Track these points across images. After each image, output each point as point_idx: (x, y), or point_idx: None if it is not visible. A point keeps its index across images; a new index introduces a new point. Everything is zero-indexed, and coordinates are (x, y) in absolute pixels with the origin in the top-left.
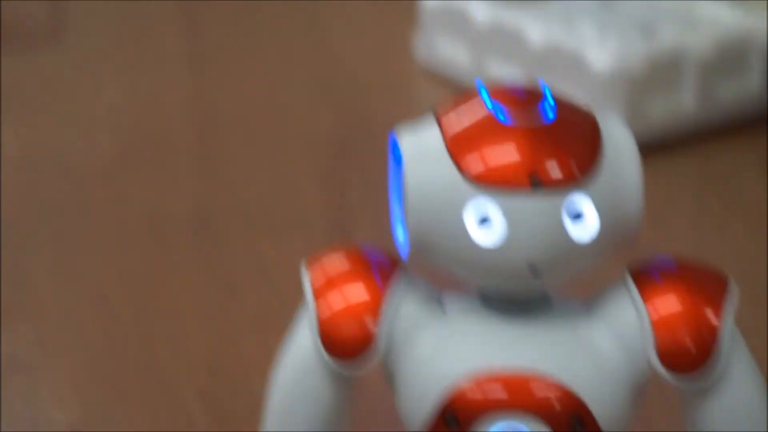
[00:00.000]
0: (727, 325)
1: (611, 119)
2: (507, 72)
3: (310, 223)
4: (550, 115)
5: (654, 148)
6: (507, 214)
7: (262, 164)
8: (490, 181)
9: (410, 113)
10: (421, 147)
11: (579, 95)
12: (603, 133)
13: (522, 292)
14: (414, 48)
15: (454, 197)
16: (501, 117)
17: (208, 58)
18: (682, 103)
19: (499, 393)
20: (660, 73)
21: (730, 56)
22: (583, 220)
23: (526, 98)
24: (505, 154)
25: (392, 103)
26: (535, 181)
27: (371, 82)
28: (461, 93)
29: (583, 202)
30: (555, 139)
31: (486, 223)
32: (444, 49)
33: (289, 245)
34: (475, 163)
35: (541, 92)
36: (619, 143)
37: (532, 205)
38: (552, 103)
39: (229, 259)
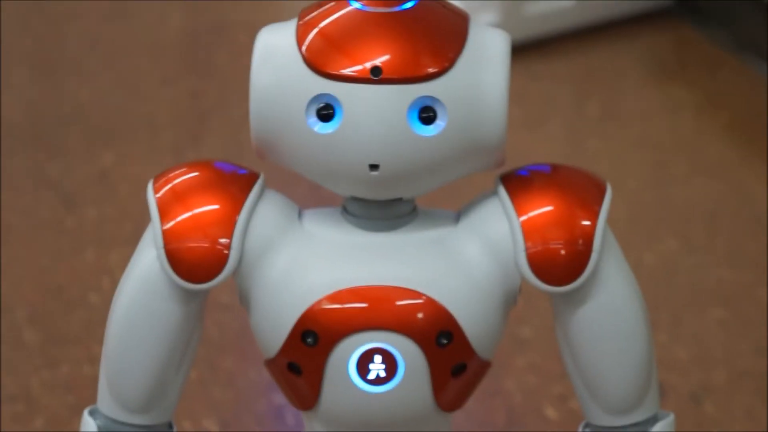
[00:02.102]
0: (600, 231)
1: (489, 27)
2: None
3: (156, 130)
4: (410, 4)
5: (532, 48)
6: (346, 102)
7: (104, 67)
8: (333, 71)
9: (268, 13)
10: (273, 45)
11: None
12: (471, 35)
13: (376, 196)
14: None
15: (297, 89)
16: (356, 4)
17: None
18: (562, 2)
19: (359, 308)
20: None
21: None
22: (430, 115)
23: None
24: (350, 41)
25: (250, 3)
26: (377, 73)
27: None
28: None
29: (429, 100)
30: (407, 28)
31: (326, 114)
32: None
33: (132, 154)
34: (320, 52)
35: None
36: (488, 48)
37: (372, 94)
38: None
39: (67, 168)
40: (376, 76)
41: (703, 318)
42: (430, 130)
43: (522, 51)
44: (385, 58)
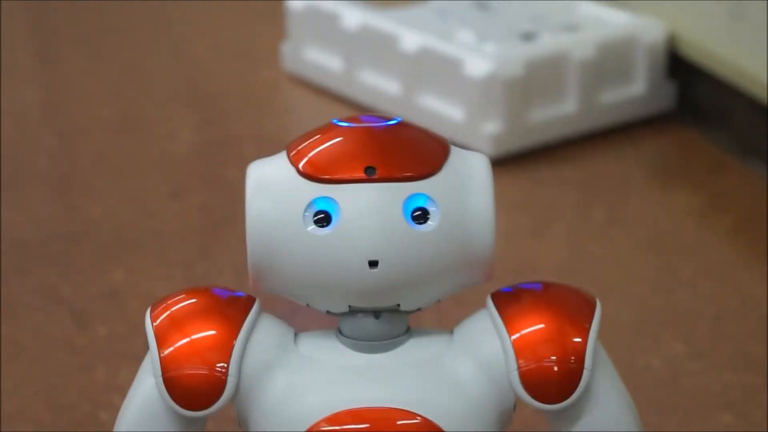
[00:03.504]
0: (591, 348)
1: (468, 151)
2: (380, 79)
3: (166, 244)
4: (393, 122)
5: (536, 154)
6: (342, 201)
7: (115, 183)
8: (328, 176)
9: (278, 124)
10: (266, 171)
11: (456, 102)
12: (453, 150)
13: (374, 302)
14: (281, 55)
15: (293, 199)
16: (343, 124)
17: (58, 69)
18: (565, 109)
19: (357, 430)
20: (540, 78)
21: (613, 60)
22: (423, 216)
23: (376, 118)
24: (343, 148)
25: (258, 113)
26: (370, 171)
27: (235, 92)
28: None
29: (422, 198)
30: (395, 138)
31: (323, 216)
32: (313, 56)
33: (143, 269)
34: (314, 161)
35: (392, 117)
36: (471, 166)
37: (368, 191)
38: (398, 119)
39: (77, 284)
40: (370, 175)
41: (711, 423)
42: (425, 227)
43: (526, 158)
44: (377, 160)
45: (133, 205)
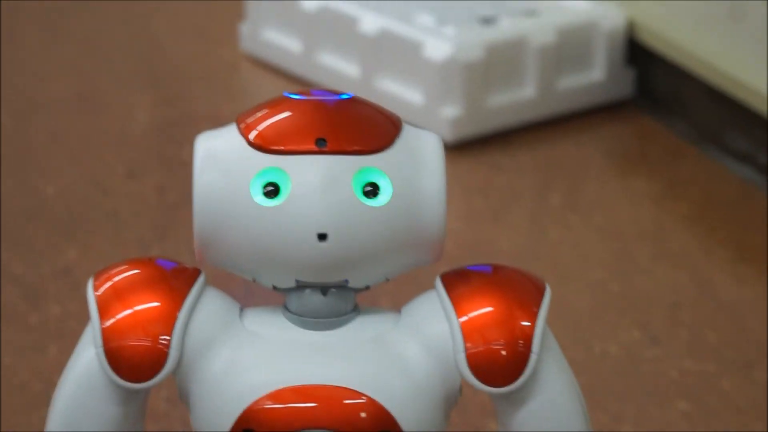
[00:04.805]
0: (539, 332)
1: (420, 129)
2: (339, 61)
3: (121, 224)
4: (345, 96)
5: (494, 139)
6: (292, 173)
7: (70, 161)
8: (278, 146)
9: (236, 104)
10: (215, 144)
11: (415, 85)
12: (405, 129)
13: (322, 277)
14: (240, 35)
15: (242, 169)
16: (295, 96)
17: (14, 47)
18: (523, 94)
19: (300, 408)
20: (500, 62)
21: (573, 46)
22: (374, 190)
23: (327, 92)
24: (294, 120)
25: (216, 94)
26: (321, 143)
27: (193, 72)
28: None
29: (373, 172)
30: (347, 112)
31: (272, 188)
32: (272, 38)
33: (97, 248)
34: (264, 133)
35: (344, 92)
36: (423, 144)
37: (319, 163)
38: (350, 94)
39: (30, 262)
40: (321, 147)
41: (668, 410)
42: (375, 202)
43: (485, 143)
44: (328, 132)
45: (88, 184)
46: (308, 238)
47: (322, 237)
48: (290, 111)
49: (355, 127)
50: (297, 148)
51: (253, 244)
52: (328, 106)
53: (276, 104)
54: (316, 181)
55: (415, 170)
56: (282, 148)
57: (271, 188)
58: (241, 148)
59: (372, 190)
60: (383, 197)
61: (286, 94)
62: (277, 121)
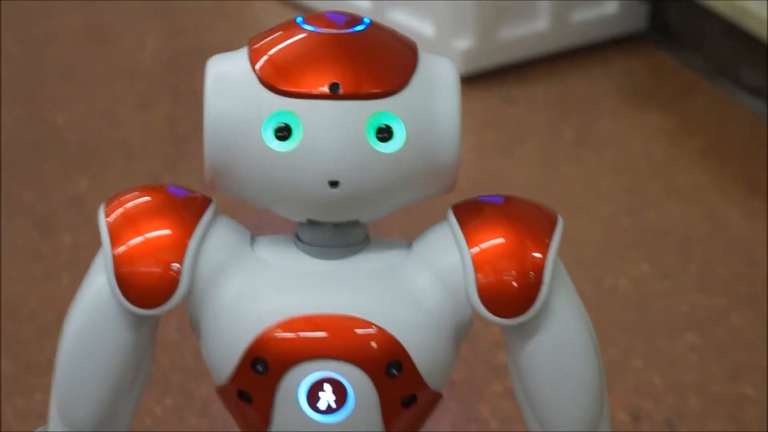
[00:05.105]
0: (550, 263)
1: (435, 55)
2: None
3: (132, 155)
4: (361, 27)
5: (506, 72)
6: (305, 118)
7: (81, 92)
8: (291, 89)
9: (247, 36)
10: (226, 71)
11: (427, 17)
12: (421, 60)
13: (334, 217)
14: None
15: (254, 109)
16: (308, 27)
17: None
18: (536, 26)
19: (310, 337)
20: None
21: None
22: (387, 134)
23: (341, 20)
24: (307, 58)
25: (226, 26)
26: (335, 87)
27: (205, 4)
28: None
29: (387, 116)
30: (361, 48)
31: (284, 132)
32: None
33: (108, 179)
34: (276, 71)
35: (360, 18)
36: (438, 72)
37: (332, 110)
38: (367, 21)
39: (41, 192)
40: (334, 91)
41: (677, 343)
42: (389, 147)
43: (497, 76)
44: (342, 75)
45: (99, 115)
46: (320, 185)
47: (334, 184)
48: (303, 46)
49: (370, 66)
50: (310, 92)
51: (263, 183)
52: (343, 40)
53: (289, 34)
54: (329, 129)
55: (430, 105)
56: (295, 90)
57: (282, 132)
58: (252, 83)
59: (386, 135)
60: (397, 141)
61: (299, 21)
62: (289, 59)
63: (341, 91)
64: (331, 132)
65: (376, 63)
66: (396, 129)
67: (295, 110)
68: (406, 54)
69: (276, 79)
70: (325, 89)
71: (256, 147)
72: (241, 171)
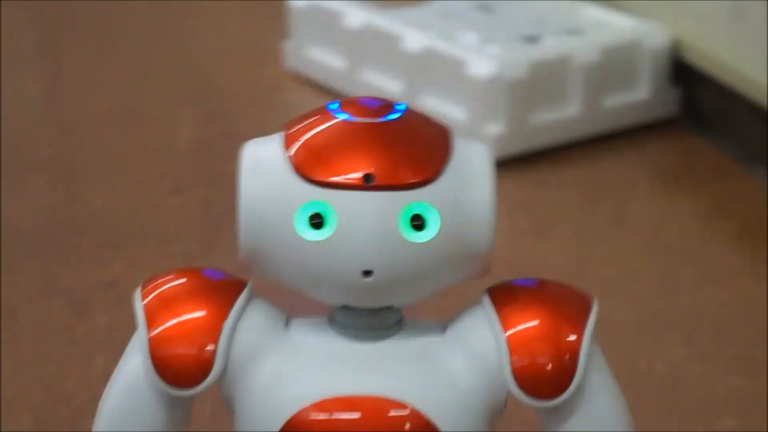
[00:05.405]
0: (586, 346)
1: (469, 140)
2: (382, 78)
3: (167, 238)
4: (395, 116)
5: (539, 157)
6: (339, 208)
7: (116, 175)
8: (325, 179)
9: (280, 121)
10: (260, 156)
11: (459, 103)
12: (456, 146)
13: (367, 304)
14: (283, 53)
15: (287, 197)
16: (342, 116)
17: (61, 62)
18: (568, 112)
19: (344, 419)
20: (544, 80)
21: (617, 64)
22: (421, 223)
23: (375, 106)
24: (340, 150)
25: (260, 111)
26: (369, 179)
27: (237, 89)
28: (315, 108)
29: (421, 206)
30: (395, 138)
31: (318, 220)
32: (315, 55)
33: (143, 262)
34: (310, 161)
35: (393, 103)
36: (472, 159)
37: (365, 201)
38: (402, 107)
39: (77, 274)
40: (368, 182)
41: (715, 427)
42: (422, 237)
43: (529, 160)
44: (377, 166)
45: (134, 198)
46: (353, 274)
47: (367, 273)
48: (338, 135)
49: (405, 156)
50: (344, 182)
51: (296, 270)
52: (377, 129)
53: (323, 121)
54: (363, 220)
55: (464, 192)
56: (328, 180)
57: (316, 220)
58: (286, 171)
59: (419, 223)
60: (431, 230)
61: (330, 108)
62: (324, 148)
63: (375, 182)
64: (364, 222)
65: (411, 153)
66: (430, 218)
67: (329, 200)
68: (441, 141)
69: (310, 169)
70: (359, 180)
71: (288, 234)
72: (275, 256)
